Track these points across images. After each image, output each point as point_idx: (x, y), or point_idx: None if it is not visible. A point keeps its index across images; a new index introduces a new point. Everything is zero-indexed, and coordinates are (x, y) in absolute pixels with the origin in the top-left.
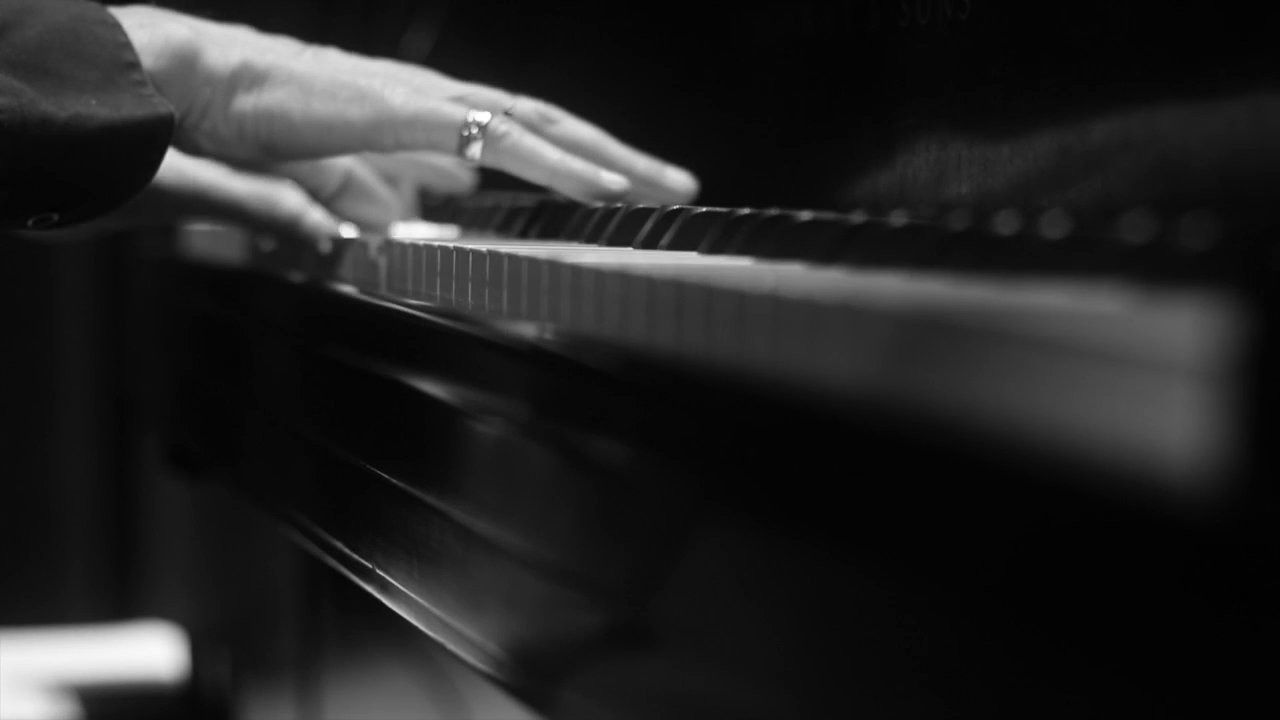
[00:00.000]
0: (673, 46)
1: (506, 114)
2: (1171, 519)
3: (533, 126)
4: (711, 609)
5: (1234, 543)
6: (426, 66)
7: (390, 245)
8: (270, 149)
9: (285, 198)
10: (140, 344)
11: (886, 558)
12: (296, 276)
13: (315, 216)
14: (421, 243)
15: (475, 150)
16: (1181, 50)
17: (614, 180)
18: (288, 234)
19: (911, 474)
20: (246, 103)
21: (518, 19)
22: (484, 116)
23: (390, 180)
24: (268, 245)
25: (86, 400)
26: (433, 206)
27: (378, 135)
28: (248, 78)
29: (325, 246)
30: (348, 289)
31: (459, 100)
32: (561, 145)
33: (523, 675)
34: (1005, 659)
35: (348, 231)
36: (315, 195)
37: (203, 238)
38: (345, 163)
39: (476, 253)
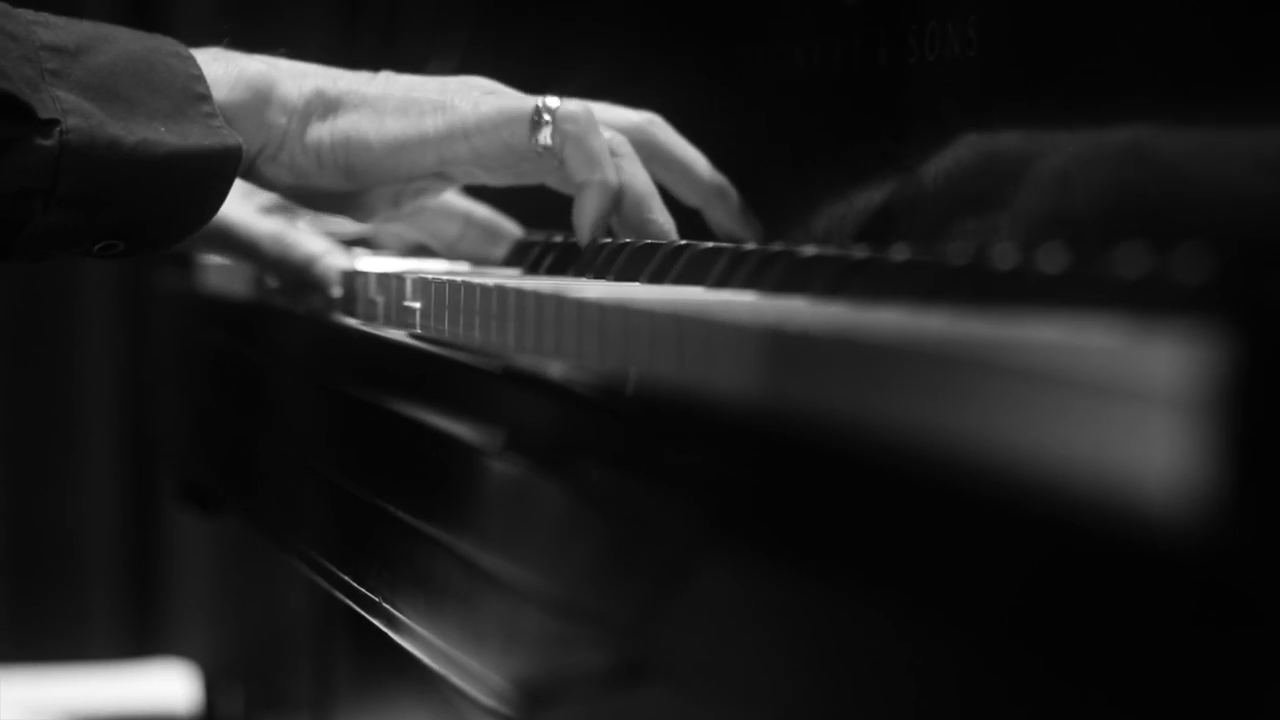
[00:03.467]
0: (684, 82)
1: None
2: (1152, 549)
3: None
4: (716, 644)
5: (1213, 573)
6: None
7: (401, 280)
8: (349, 173)
9: (301, 241)
10: (157, 378)
11: (879, 586)
12: (306, 311)
13: (326, 261)
14: (431, 277)
15: (545, 134)
16: (1185, 86)
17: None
18: (299, 277)
19: (906, 505)
20: (323, 129)
21: (533, 55)
22: (555, 101)
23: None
24: (273, 284)
25: (108, 435)
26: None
27: (451, 146)
28: (322, 105)
29: (336, 291)
30: (356, 323)
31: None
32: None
33: (527, 710)
34: (994, 685)
35: (361, 265)
36: (436, 240)
37: (218, 273)
38: (461, 206)
39: (484, 287)
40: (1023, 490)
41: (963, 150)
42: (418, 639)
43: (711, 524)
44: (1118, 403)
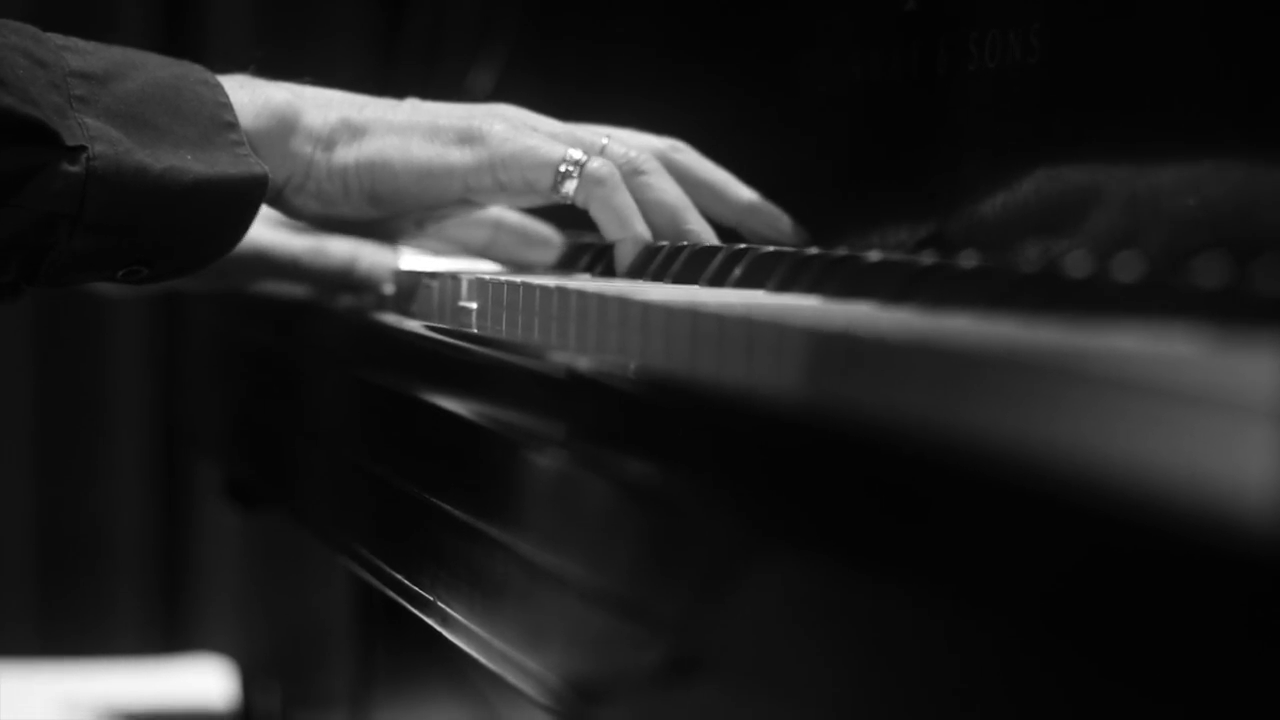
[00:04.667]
0: (741, 88)
1: (600, 153)
2: (1248, 558)
3: (620, 171)
4: (773, 642)
5: None
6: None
7: (456, 280)
8: (375, 200)
9: (334, 246)
10: (196, 375)
11: (963, 596)
12: (354, 308)
13: (368, 260)
14: (488, 277)
15: (569, 188)
16: (1251, 93)
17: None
18: (344, 282)
19: (989, 511)
20: (348, 155)
21: (579, 60)
22: (580, 155)
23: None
24: (328, 297)
25: (140, 430)
26: None
27: (477, 177)
28: (347, 132)
29: (388, 289)
30: (409, 323)
31: (556, 137)
32: (644, 200)
33: (583, 709)
34: (1075, 697)
35: (405, 264)
36: (464, 249)
37: None
38: (491, 213)
39: (545, 288)
40: (1112, 499)
41: (1024, 162)
42: (472, 637)
43: (779, 526)
44: (1212, 412)
